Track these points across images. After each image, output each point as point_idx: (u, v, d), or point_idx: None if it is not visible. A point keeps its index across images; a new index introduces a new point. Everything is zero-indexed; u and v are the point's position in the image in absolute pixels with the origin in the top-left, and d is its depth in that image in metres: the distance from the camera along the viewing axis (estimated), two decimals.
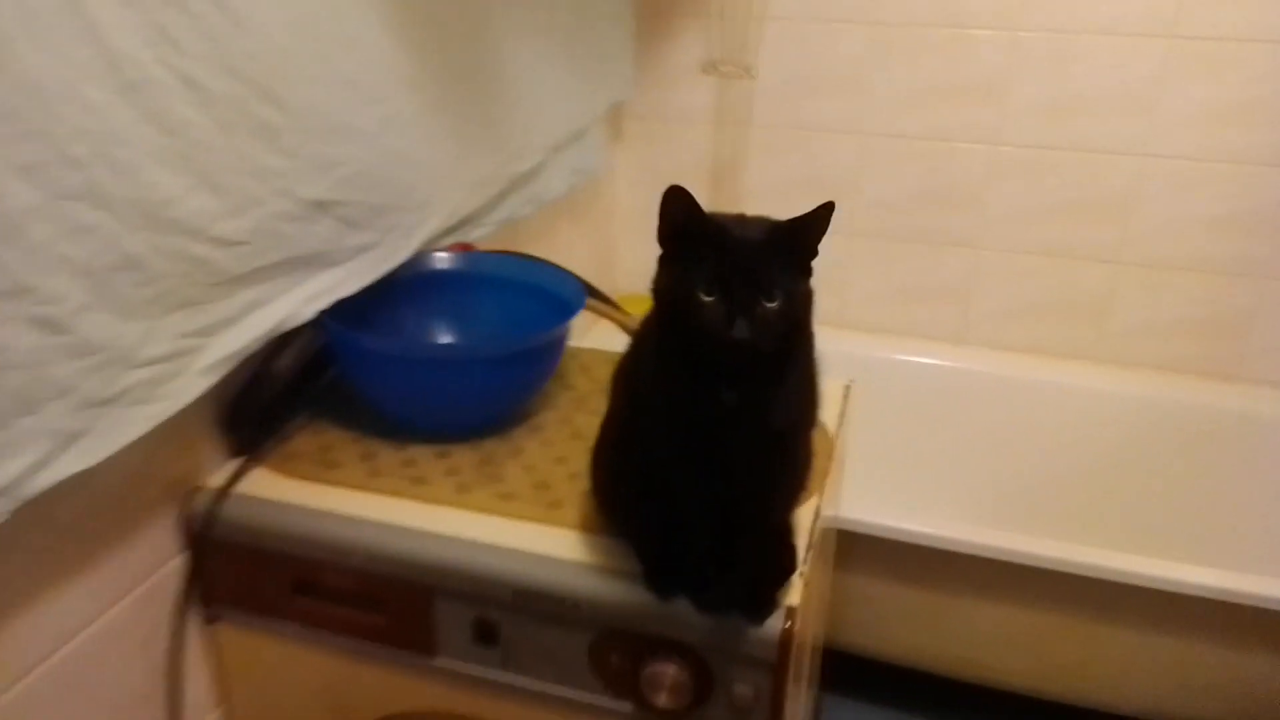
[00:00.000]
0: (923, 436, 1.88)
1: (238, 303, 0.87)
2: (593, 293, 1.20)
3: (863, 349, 1.89)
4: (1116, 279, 1.77)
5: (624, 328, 1.25)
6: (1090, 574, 1.33)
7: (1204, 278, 1.72)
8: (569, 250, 1.72)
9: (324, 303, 0.96)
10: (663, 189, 0.67)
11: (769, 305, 0.65)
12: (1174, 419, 1.76)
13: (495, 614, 0.86)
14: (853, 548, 1.41)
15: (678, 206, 0.67)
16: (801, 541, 0.86)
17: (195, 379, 0.83)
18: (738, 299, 0.64)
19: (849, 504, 1.28)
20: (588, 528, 0.88)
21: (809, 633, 0.94)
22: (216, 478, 0.95)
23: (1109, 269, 1.77)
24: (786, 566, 0.80)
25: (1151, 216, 1.71)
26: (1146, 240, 1.73)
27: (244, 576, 0.94)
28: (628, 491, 0.81)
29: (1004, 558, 1.36)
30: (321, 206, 0.94)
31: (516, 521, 0.89)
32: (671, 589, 0.79)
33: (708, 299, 0.65)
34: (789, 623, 0.78)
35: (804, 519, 0.89)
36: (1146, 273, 1.75)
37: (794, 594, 0.80)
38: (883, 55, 1.75)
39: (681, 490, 0.75)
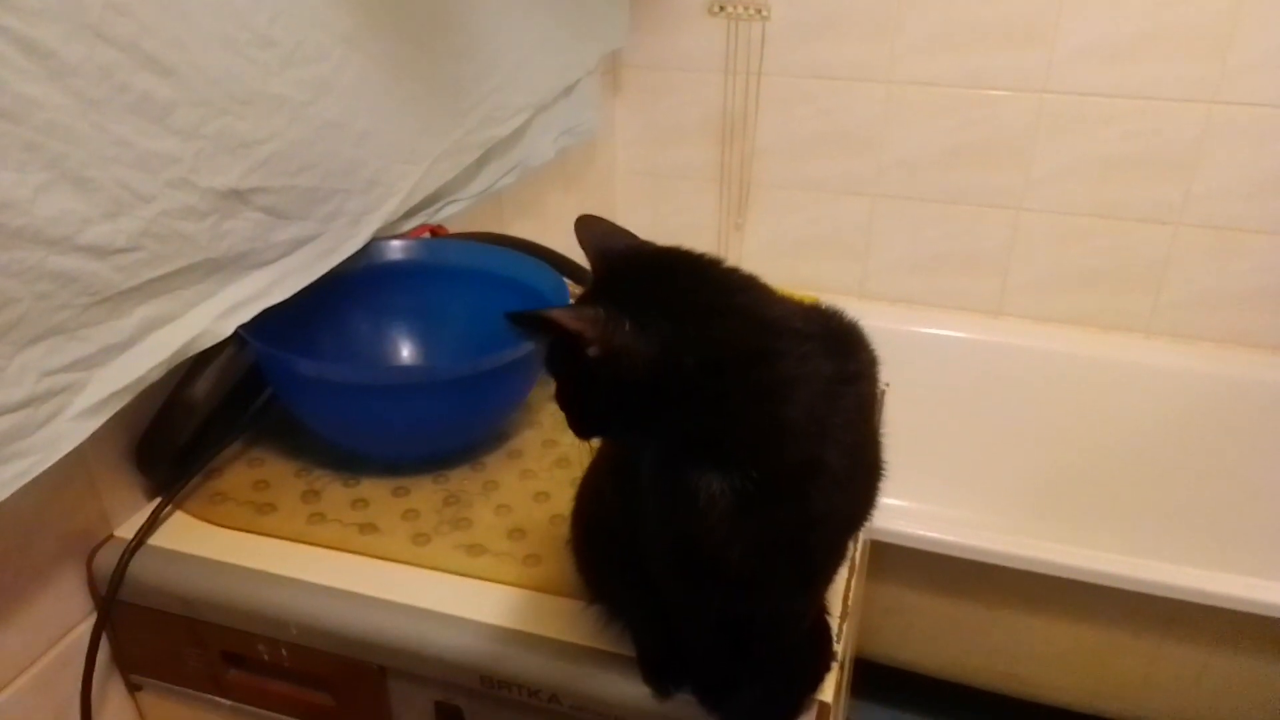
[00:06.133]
0: (956, 419, 1.71)
1: (129, 323, 0.70)
2: (581, 276, 1.02)
3: (888, 322, 1.69)
4: (1176, 243, 1.58)
5: None
6: (1153, 591, 1.17)
7: (1278, 240, 1.53)
8: (561, 221, 1.52)
9: (248, 313, 0.79)
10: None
11: None
12: (1240, 398, 1.58)
13: (460, 699, 0.72)
14: (888, 557, 1.25)
15: None
16: (836, 612, 0.69)
17: (73, 425, 0.66)
18: None
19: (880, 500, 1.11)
20: (571, 591, 0.72)
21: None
22: (128, 526, 0.80)
23: (1168, 232, 1.58)
24: (818, 665, 0.64)
25: (1220, 172, 1.51)
26: (1213, 199, 1.54)
27: (163, 643, 0.79)
28: (615, 565, 0.64)
29: (1058, 573, 1.20)
30: (238, 196, 0.76)
31: (485, 584, 0.73)
32: (673, 686, 0.63)
33: None
34: None
35: (837, 582, 0.72)
36: (1211, 235, 1.56)
37: (827, 687, 0.64)
38: None
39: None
